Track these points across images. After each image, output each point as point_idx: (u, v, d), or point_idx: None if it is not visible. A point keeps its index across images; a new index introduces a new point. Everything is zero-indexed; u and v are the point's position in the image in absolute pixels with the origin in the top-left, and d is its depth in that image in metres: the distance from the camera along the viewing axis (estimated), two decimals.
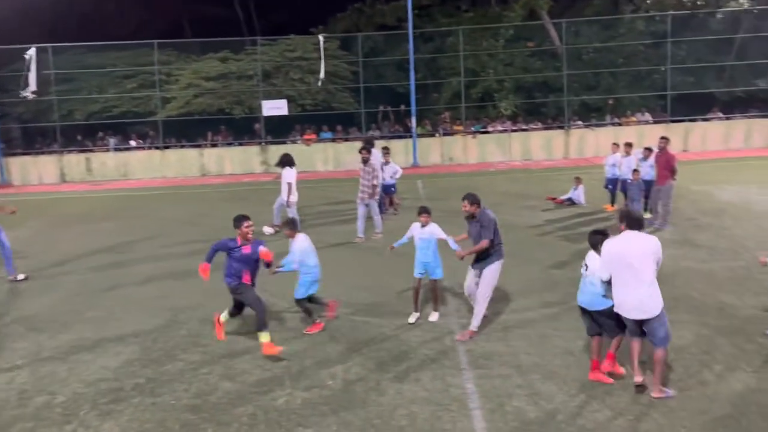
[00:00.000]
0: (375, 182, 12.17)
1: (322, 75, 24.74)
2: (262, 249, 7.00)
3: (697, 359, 6.23)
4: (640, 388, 5.57)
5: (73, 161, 25.28)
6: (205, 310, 8.14)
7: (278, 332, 7.20)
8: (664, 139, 12.49)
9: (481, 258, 7.08)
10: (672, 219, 12.18)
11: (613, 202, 14.18)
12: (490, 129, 25.88)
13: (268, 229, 12.72)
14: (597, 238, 5.80)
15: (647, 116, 25.74)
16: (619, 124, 25.54)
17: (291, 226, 7.65)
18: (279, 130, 25.93)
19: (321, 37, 25.23)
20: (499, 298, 7.94)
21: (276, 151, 21.80)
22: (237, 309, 7.26)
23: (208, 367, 6.57)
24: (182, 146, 25.90)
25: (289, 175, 12.42)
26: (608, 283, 5.61)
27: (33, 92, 23.86)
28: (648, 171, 12.90)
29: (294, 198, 12.50)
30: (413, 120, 24.55)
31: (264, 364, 6.55)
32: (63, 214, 17.08)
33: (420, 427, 5.24)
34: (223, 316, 7.34)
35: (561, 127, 25.54)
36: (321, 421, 5.39)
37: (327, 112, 25.93)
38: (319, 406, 5.63)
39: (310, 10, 28.99)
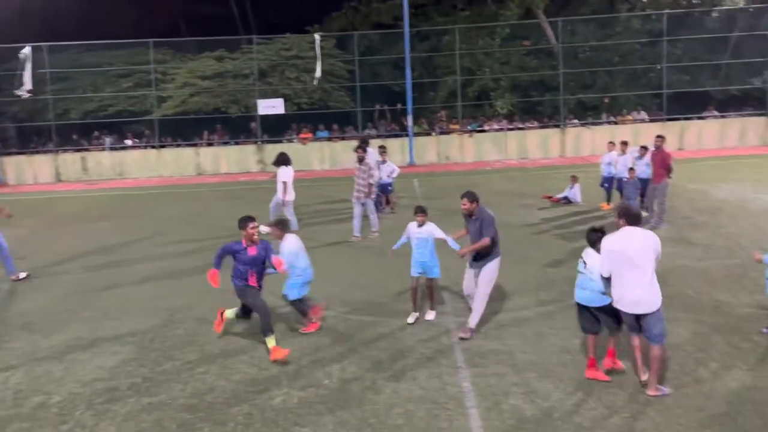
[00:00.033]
0: (371, 181, 12.19)
1: (318, 74, 24.71)
2: (274, 258, 6.92)
3: (693, 357, 6.25)
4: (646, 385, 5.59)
5: (69, 160, 25.19)
6: (202, 309, 8.14)
7: (275, 332, 7.16)
8: (660, 138, 12.53)
9: (480, 257, 7.07)
10: (668, 217, 12.22)
11: (609, 201, 14.21)
12: (486, 128, 25.90)
13: (265, 228, 12.67)
14: (595, 236, 5.81)
15: (643, 115, 25.78)
16: (615, 123, 25.59)
17: (281, 226, 7.55)
18: (275, 129, 25.94)
19: (317, 36, 25.18)
20: (495, 296, 7.93)
21: (272, 150, 21.79)
22: (244, 312, 7.22)
23: (204, 366, 6.55)
24: (178, 145, 25.84)
25: (284, 174, 12.42)
26: (607, 280, 5.62)
27: (28, 91, 23.70)
28: (644, 169, 12.97)
29: (291, 197, 12.49)
30: (409, 119, 24.54)
31: (260, 364, 6.54)
32: (58, 213, 17.03)
33: (416, 425, 5.24)
34: (229, 313, 7.28)
35: (557, 126, 25.56)
36: (317, 420, 5.38)
37: (323, 111, 25.92)
38: (315, 405, 5.63)
39: (306, 9, 28.98)
